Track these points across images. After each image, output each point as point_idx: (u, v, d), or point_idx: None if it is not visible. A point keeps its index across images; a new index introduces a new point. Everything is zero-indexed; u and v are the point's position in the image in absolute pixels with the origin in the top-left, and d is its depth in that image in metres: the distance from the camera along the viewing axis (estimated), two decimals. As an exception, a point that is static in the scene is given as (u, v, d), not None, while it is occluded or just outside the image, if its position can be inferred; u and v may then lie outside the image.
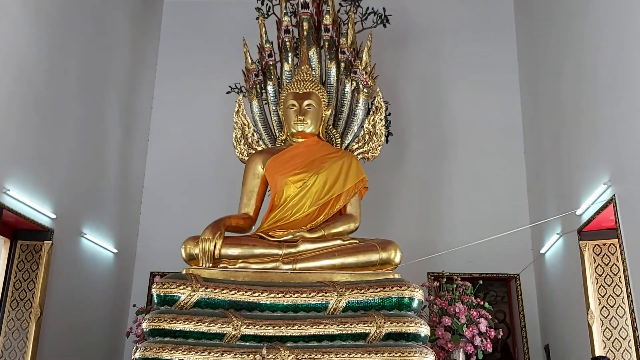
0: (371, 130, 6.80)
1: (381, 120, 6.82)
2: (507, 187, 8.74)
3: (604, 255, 6.36)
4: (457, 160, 8.95)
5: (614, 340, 6.20)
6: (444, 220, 8.69)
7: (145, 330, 5.36)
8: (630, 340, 5.95)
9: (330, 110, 6.75)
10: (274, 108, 6.99)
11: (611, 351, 6.16)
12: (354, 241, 6.08)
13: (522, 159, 8.90)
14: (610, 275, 6.30)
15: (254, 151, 6.88)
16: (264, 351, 4.58)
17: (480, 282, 7.28)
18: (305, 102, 6.54)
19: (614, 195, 5.61)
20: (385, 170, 8.57)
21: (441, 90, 9.35)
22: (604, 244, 6.34)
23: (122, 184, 8.60)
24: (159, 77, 9.68)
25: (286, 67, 7.00)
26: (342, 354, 5.14)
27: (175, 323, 5.26)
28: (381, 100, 6.86)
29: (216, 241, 5.85)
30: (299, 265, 5.88)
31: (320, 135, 6.72)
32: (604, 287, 6.27)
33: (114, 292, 8.31)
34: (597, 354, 6.20)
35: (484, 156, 8.87)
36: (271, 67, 7.04)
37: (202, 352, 5.13)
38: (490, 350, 6.53)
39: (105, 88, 8.21)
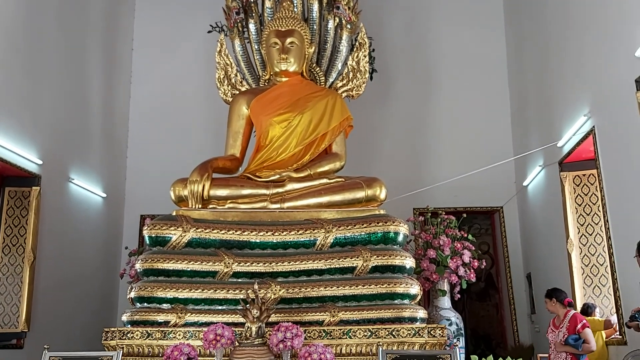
0: (355, 67, 6.77)
1: (365, 57, 6.79)
2: (491, 122, 8.82)
3: (583, 186, 6.53)
4: (441, 96, 8.98)
5: (592, 266, 6.45)
6: (429, 157, 8.79)
7: (139, 270, 5.50)
8: (607, 266, 6.20)
9: (313, 47, 6.69)
10: (256, 47, 6.90)
11: (589, 277, 6.43)
12: (340, 179, 6.18)
13: (507, 94, 8.95)
14: (589, 205, 6.50)
15: (237, 92, 6.84)
16: (256, 286, 4.73)
17: (465, 215, 7.46)
18: (288, 40, 6.47)
19: (593, 126, 5.72)
20: (370, 108, 8.59)
21: (426, 25, 9.26)
22: (584, 175, 6.50)
23: (106, 128, 8.57)
24: (139, 17, 9.47)
25: (267, 3, 6.86)
26: (331, 287, 5.33)
27: (168, 263, 5.40)
28: (365, 36, 6.80)
29: (204, 182, 5.93)
30: (286, 204, 6.00)
31: (304, 73, 6.69)
32: (583, 216, 6.46)
33: (106, 235, 8.43)
34: (575, 282, 6.46)
35: (468, 92, 8.90)
36: (252, 4, 6.90)
37: (196, 290, 5.30)
38: (474, 280, 6.77)
39: (85, 31, 8.05)
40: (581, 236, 6.47)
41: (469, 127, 8.78)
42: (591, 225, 6.49)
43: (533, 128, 7.83)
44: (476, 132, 8.74)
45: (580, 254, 6.45)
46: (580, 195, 6.52)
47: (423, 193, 7.83)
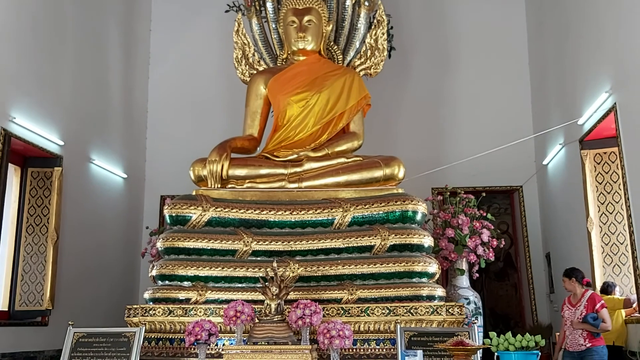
0: (373, 45, 6.73)
1: (383, 34, 6.73)
2: (511, 100, 8.70)
3: (604, 164, 6.44)
4: (461, 73, 8.87)
5: (612, 245, 6.39)
6: (447, 135, 8.72)
7: (160, 249, 5.59)
8: (627, 245, 6.14)
9: (331, 25, 6.66)
10: (273, 26, 6.88)
11: (609, 255, 6.38)
12: (358, 158, 6.19)
13: (527, 71, 8.81)
14: (610, 183, 6.42)
15: (255, 71, 6.85)
16: (275, 264, 4.78)
17: (484, 194, 7.43)
18: (306, 18, 6.44)
19: (615, 103, 5.63)
20: (388, 86, 8.53)
21: (444, 1, 9.13)
22: (605, 153, 6.41)
23: (126, 109, 8.63)
24: (156, -1, 9.49)
25: (285, -19, 6.83)
26: (349, 266, 5.38)
27: (188, 241, 5.48)
28: (383, 13, 6.74)
29: (223, 162, 5.97)
30: (304, 184, 6.03)
31: (322, 52, 6.67)
32: (603, 194, 6.39)
33: (127, 215, 8.54)
34: (595, 261, 6.42)
35: (488, 69, 8.78)
36: (269, -17, 6.88)
37: (216, 268, 5.38)
38: (492, 259, 6.77)
39: (103, 12, 8.07)
40: (601, 215, 6.41)
41: (488, 105, 8.68)
42: (612, 203, 6.42)
43: (553, 105, 7.72)
44: (495, 110, 8.64)
45: (600, 232, 6.39)
46: (601, 174, 6.44)
47: (442, 172, 7.79)
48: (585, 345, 5.05)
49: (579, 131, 6.59)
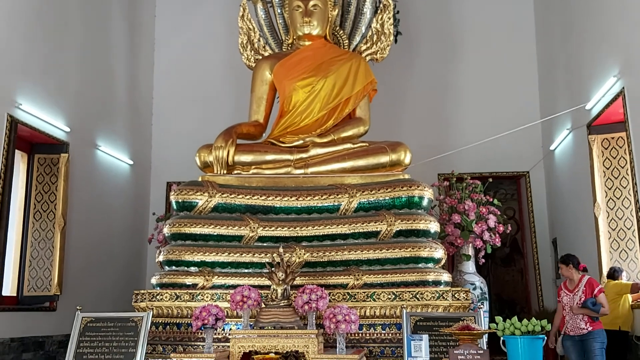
0: (379, 30, 6.68)
1: (389, 19, 6.68)
2: (518, 85, 8.64)
3: (612, 149, 6.40)
4: (468, 58, 8.80)
5: (619, 230, 6.37)
6: (454, 121, 8.68)
7: (167, 234, 5.61)
8: (634, 230, 6.12)
9: (336, 10, 6.61)
10: (279, 11, 6.83)
11: (616, 241, 6.36)
12: (364, 144, 6.17)
13: (534, 55, 8.74)
14: (617, 168, 6.38)
15: (260, 57, 6.82)
16: (281, 250, 4.79)
17: (490, 180, 7.40)
18: (311, 3, 6.40)
19: (623, 87, 5.58)
20: (395, 71, 8.48)
21: (451, -14, 9.05)
22: (612, 138, 6.37)
23: (131, 96, 8.63)
24: (160, -17, 9.44)
25: (290, -34, 6.77)
26: (355, 251, 5.38)
27: (195, 227, 5.49)
28: (389, -3, 6.68)
29: (229, 148, 5.97)
30: (310, 170, 6.02)
31: (327, 37, 6.62)
32: (611, 180, 6.36)
33: (133, 201, 8.57)
34: (602, 246, 6.40)
35: (494, 53, 8.71)
36: (274, -34, 6.82)
37: (223, 253, 5.39)
38: (499, 245, 6.76)
39: (107, -2, 8.07)
40: (608, 200, 6.38)
41: (495, 90, 8.63)
42: (619, 188, 6.39)
43: (561, 90, 7.67)
44: (502, 95, 8.58)
45: (607, 218, 6.37)
46: (609, 159, 6.40)
47: (448, 158, 7.77)
48: (586, 329, 5.13)
49: (586, 116, 6.55)
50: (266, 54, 6.86)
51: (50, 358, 6.44)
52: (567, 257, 5.46)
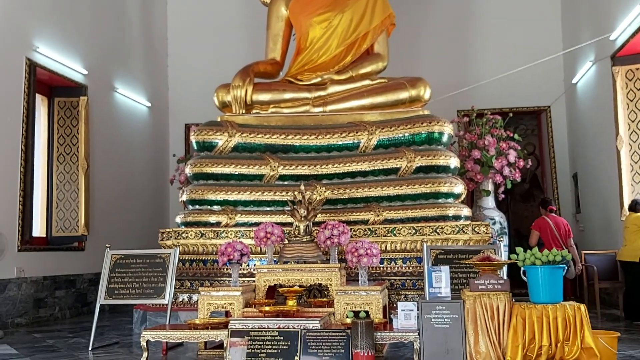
0: (397, -38, 6.48)
1: (407, -50, 6.47)
2: (540, 16, 8.39)
3: (636, 80, 6.25)
4: (488, -10, 8.55)
5: (642, 163, 6.30)
6: (474, 55, 8.50)
7: (189, 174, 5.68)
8: (657, 163, 6.06)
9: (353, -59, 6.40)
10: (294, -56, 6.64)
11: (638, 174, 6.30)
12: (383, 80, 6.10)
13: (557, -15, 8.46)
14: (641, 100, 6.26)
15: (276, -8, 6.67)
16: (302, 187, 4.84)
17: (511, 115, 7.32)
18: None
19: (651, 15, 5.41)
20: (413, 5, 8.28)
21: None
22: (637, 69, 6.21)
23: (146, 37, 8.56)
24: None
25: None
26: (375, 188, 5.42)
27: (216, 167, 5.55)
28: None
29: (247, 87, 5.95)
30: (329, 108, 5.99)
31: (344, -31, 6.45)
32: (634, 112, 6.24)
33: (153, 143, 8.64)
34: (624, 179, 6.35)
35: (516, -16, 8.44)
36: None
37: (245, 192, 5.47)
38: (519, 180, 6.75)
39: None
40: (631, 133, 6.28)
41: (516, 22, 8.40)
42: (643, 121, 6.29)
43: (584, 21, 7.44)
44: (523, 28, 8.36)
45: (629, 151, 6.29)
46: (633, 90, 6.27)
47: (468, 94, 7.66)
48: None
49: (610, 47, 6.38)
50: (281, -11, 6.70)
51: (82, 295, 6.69)
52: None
